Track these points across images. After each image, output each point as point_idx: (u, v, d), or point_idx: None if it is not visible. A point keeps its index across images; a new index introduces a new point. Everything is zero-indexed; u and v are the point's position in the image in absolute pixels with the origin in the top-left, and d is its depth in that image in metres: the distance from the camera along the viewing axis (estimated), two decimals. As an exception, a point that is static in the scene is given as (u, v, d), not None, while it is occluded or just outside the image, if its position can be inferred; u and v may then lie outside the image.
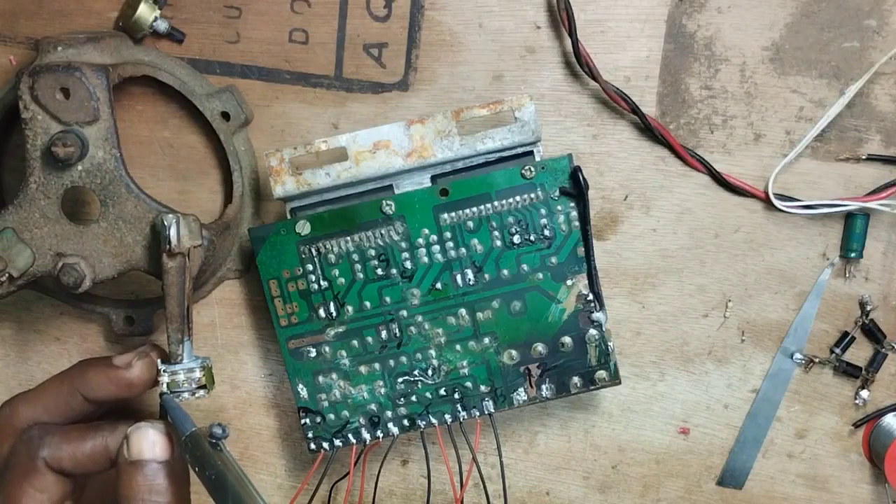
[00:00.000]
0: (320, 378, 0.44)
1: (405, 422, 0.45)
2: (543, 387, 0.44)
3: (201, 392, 0.40)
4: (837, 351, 0.48)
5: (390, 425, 0.45)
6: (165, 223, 0.39)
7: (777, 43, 0.46)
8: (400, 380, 0.44)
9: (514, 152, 0.43)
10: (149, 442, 0.38)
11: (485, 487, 0.46)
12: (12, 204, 0.40)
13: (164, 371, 0.40)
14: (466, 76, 0.47)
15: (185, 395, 0.40)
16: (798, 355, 0.48)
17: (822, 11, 0.45)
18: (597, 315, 0.43)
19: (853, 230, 0.46)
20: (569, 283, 0.43)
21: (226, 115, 0.46)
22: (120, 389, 0.40)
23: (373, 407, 0.44)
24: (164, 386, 0.39)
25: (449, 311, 0.44)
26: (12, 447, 0.40)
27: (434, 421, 0.44)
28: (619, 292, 0.48)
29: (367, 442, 0.45)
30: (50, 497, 0.39)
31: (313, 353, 0.44)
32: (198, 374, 0.40)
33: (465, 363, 0.44)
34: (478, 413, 0.44)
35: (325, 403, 0.44)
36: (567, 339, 0.44)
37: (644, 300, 0.48)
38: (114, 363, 0.41)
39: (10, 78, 0.46)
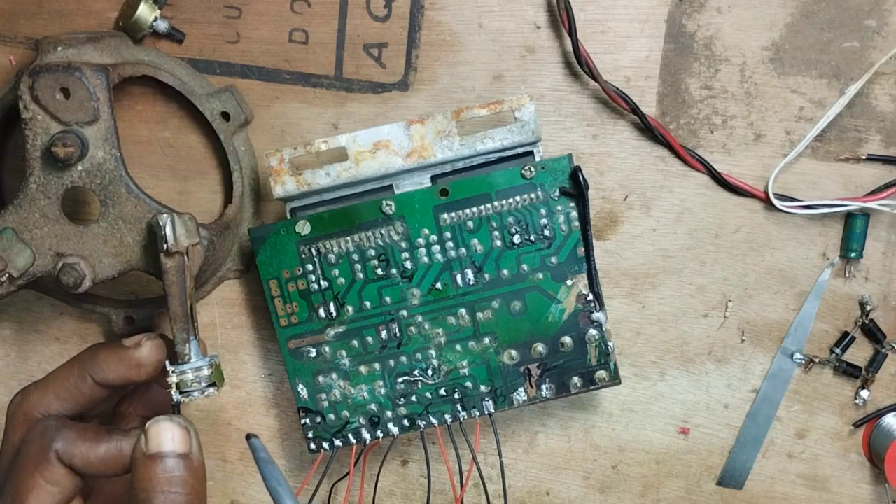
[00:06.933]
0: (320, 378, 0.44)
1: (405, 422, 0.45)
2: (543, 387, 0.44)
3: (211, 390, 0.40)
4: (837, 351, 0.48)
5: (390, 425, 0.45)
6: (160, 223, 0.39)
7: (777, 43, 0.46)
8: (400, 380, 0.44)
9: (514, 152, 0.43)
10: (168, 435, 0.38)
11: (485, 487, 0.46)
12: (12, 204, 0.40)
13: (173, 371, 0.39)
14: (466, 76, 0.47)
15: (196, 394, 0.39)
16: (798, 355, 0.48)
17: (822, 11, 0.45)
18: (597, 315, 0.43)
19: (853, 230, 0.46)
20: (569, 283, 0.43)
21: (226, 115, 0.46)
22: (130, 370, 0.40)
23: (373, 407, 0.44)
24: (174, 386, 0.39)
25: (449, 311, 0.44)
26: (25, 435, 0.40)
27: (434, 421, 0.44)
28: (619, 292, 0.48)
29: (367, 442, 0.45)
30: (61, 491, 0.38)
31: (313, 353, 0.44)
32: (206, 372, 0.40)
33: (465, 363, 0.44)
34: (478, 413, 0.44)
35: (325, 403, 0.44)
36: (567, 339, 0.44)
37: (644, 300, 0.48)
38: (123, 344, 0.41)
39: (10, 78, 0.46)
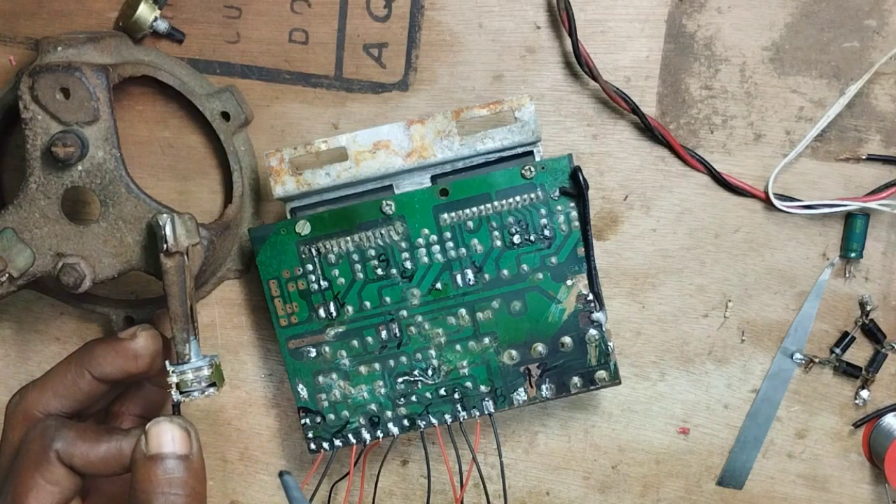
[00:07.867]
0: (320, 378, 0.44)
1: (405, 422, 0.45)
2: (543, 387, 0.44)
3: (211, 390, 0.40)
4: (837, 351, 0.48)
5: (390, 425, 0.45)
6: (160, 223, 0.39)
7: (777, 43, 0.46)
8: (400, 380, 0.44)
9: (514, 152, 0.43)
10: (168, 436, 0.38)
11: (485, 487, 0.46)
12: (12, 204, 0.40)
13: (173, 371, 0.39)
14: (466, 76, 0.47)
15: (196, 394, 0.39)
16: (798, 355, 0.48)
17: (822, 11, 0.45)
18: (597, 315, 0.43)
19: (853, 230, 0.46)
20: (569, 283, 0.43)
21: (226, 115, 0.46)
22: (127, 362, 0.40)
23: (373, 407, 0.44)
24: (174, 386, 0.39)
25: (449, 311, 0.44)
26: (24, 435, 0.40)
27: (434, 421, 0.44)
28: (619, 292, 0.48)
29: (367, 442, 0.45)
30: (61, 490, 0.38)
31: (313, 353, 0.44)
32: (206, 372, 0.40)
33: (465, 363, 0.44)
34: (478, 413, 0.44)
35: (325, 403, 0.44)
36: (567, 339, 0.44)
37: (644, 300, 0.48)
38: (119, 336, 0.41)
39: (10, 78, 0.46)
